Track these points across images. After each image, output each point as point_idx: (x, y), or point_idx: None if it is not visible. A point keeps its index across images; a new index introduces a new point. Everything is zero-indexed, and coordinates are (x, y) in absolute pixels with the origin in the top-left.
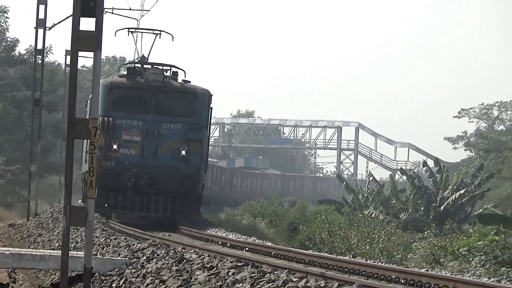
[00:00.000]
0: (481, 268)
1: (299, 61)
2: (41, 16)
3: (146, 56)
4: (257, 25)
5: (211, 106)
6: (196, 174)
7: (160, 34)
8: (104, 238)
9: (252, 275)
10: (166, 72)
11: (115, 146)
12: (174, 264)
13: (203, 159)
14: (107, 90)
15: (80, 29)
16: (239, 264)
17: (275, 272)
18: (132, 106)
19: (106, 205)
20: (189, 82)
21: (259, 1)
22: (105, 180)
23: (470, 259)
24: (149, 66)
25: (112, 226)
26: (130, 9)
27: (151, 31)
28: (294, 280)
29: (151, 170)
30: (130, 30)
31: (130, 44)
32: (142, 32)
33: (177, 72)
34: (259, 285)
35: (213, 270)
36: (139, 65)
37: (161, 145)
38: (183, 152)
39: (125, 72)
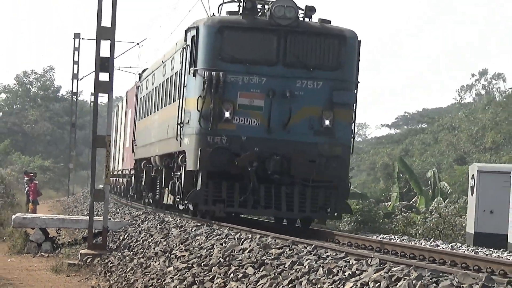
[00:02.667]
0: (348, 225)
1: None
2: (75, 71)
3: None
4: None
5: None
6: (345, 153)
7: None
8: (115, 209)
9: (206, 231)
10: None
11: (227, 114)
12: (158, 224)
13: (352, 132)
14: (214, 33)
15: (99, 79)
16: (199, 224)
17: (221, 229)
18: (251, 55)
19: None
20: (329, 22)
21: None
22: (214, 164)
23: (341, 219)
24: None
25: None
26: (130, 67)
27: None
28: (232, 233)
29: (281, 148)
30: None
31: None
32: None
33: (314, 8)
34: (211, 237)
35: (182, 228)
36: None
37: (294, 111)
38: (327, 122)
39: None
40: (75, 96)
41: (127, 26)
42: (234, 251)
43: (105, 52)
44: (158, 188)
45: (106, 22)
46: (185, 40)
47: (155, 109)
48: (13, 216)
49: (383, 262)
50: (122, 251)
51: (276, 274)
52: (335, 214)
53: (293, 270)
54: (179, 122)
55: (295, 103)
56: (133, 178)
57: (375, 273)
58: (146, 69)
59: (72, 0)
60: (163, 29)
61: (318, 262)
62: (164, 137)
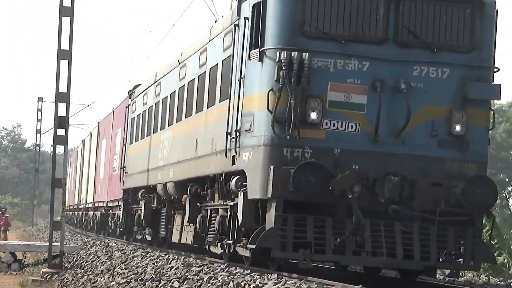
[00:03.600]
0: None
1: None
2: (38, 128)
3: None
4: None
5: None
6: (482, 172)
7: None
8: (70, 236)
9: (142, 253)
10: None
11: (313, 115)
12: (104, 248)
13: (489, 143)
14: None
15: (58, 134)
16: (136, 248)
17: (154, 251)
18: (347, 29)
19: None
20: None
21: None
22: (299, 189)
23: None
24: None
25: None
26: (83, 124)
27: None
28: (162, 255)
29: (395, 166)
30: None
31: None
32: None
33: None
34: (145, 258)
35: (123, 251)
36: None
37: (413, 111)
38: (457, 128)
39: None
40: (38, 148)
41: (80, 91)
42: (164, 269)
43: (62, 112)
44: (164, 223)
45: (63, 88)
46: (238, 13)
47: (165, 124)
48: None
49: (280, 277)
50: (75, 269)
51: (196, 287)
52: (471, 263)
53: (210, 284)
54: (229, 130)
55: (413, 99)
56: (120, 211)
57: (274, 285)
58: (139, 85)
59: (36, 69)
60: (108, 93)
61: (229, 277)
62: (188, 157)
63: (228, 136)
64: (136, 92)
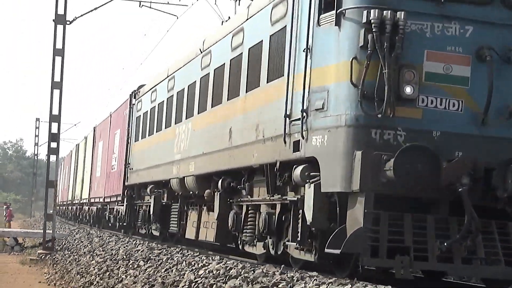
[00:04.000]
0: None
1: None
2: (36, 141)
3: None
4: None
5: None
6: None
7: None
8: (60, 225)
9: (115, 239)
10: None
11: (408, 89)
12: (86, 235)
13: None
14: None
15: (51, 146)
16: (111, 234)
17: (124, 238)
18: None
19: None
20: None
21: None
22: (399, 179)
23: None
24: None
25: None
26: (70, 139)
27: None
28: (131, 241)
29: (507, 153)
30: None
31: None
32: None
33: None
34: (118, 243)
35: (101, 237)
36: None
37: None
38: None
39: None
40: (36, 156)
41: (68, 111)
42: (132, 251)
43: (54, 130)
44: (175, 219)
45: (55, 111)
46: None
47: (182, 117)
48: None
49: (222, 258)
50: (63, 251)
51: (157, 265)
52: None
53: (168, 263)
54: (289, 112)
55: None
56: (119, 206)
57: (217, 264)
58: (143, 85)
59: (35, 95)
60: (92, 112)
61: (183, 258)
62: (217, 148)
63: (287, 118)
64: (141, 91)
